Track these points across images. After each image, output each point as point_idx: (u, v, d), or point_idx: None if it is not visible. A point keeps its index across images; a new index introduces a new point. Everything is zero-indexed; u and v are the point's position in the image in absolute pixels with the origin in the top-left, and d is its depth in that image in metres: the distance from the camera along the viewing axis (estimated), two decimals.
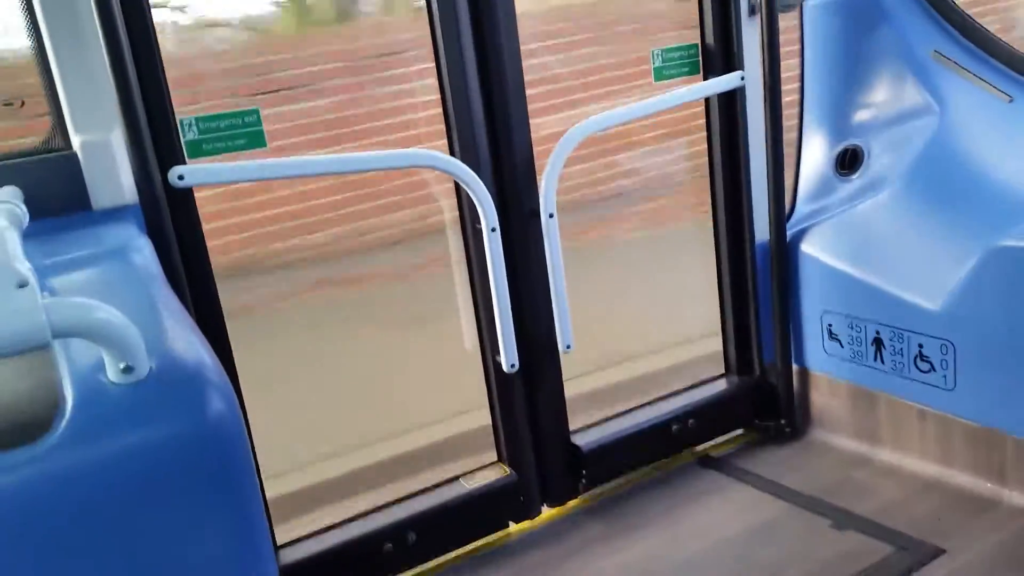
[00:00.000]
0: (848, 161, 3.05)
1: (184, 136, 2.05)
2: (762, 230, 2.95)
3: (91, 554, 1.06)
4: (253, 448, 2.11)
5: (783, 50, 2.79)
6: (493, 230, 2.38)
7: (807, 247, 2.90)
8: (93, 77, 1.89)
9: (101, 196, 1.93)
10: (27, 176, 1.87)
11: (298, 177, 2.53)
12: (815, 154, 3.13)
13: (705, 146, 2.99)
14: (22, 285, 1.07)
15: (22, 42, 1.92)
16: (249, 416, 2.10)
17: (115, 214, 1.93)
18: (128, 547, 1.09)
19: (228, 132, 2.08)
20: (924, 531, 2.41)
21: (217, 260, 2.19)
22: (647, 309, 3.65)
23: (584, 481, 2.76)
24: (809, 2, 3.00)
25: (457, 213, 2.56)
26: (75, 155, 1.92)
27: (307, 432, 2.87)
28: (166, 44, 2.07)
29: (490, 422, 2.70)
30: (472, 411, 2.82)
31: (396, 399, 3.02)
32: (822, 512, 2.57)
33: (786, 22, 2.86)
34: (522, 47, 2.45)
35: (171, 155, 2.02)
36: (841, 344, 2.85)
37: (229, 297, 2.22)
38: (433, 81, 2.43)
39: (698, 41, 2.84)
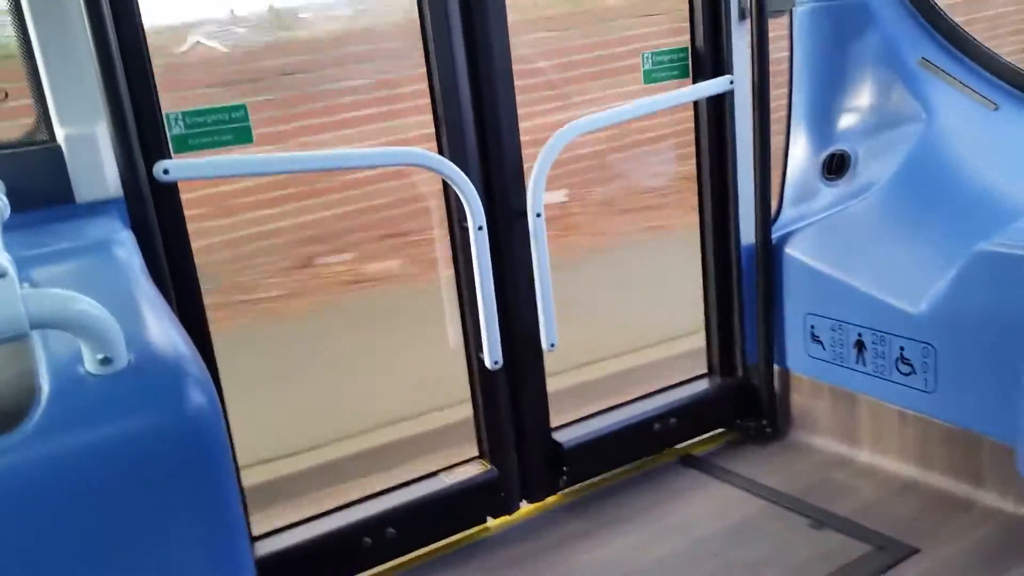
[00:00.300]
0: (835, 166, 3.07)
1: (170, 130, 2.05)
2: (748, 232, 2.98)
3: (64, 545, 1.07)
4: (231, 441, 2.12)
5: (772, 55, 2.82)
6: (480, 228, 2.39)
7: (792, 250, 2.93)
8: (79, 69, 1.89)
9: (85, 189, 1.93)
10: (10, 168, 1.87)
11: (285, 173, 2.54)
12: (802, 158, 3.15)
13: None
14: (1, 275, 1.08)
15: (6, 32, 1.92)
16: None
17: (98, 207, 1.93)
18: (101, 538, 1.09)
19: (215, 127, 2.08)
20: (901, 531, 2.44)
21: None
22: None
23: (565, 478, 2.78)
24: (799, 7, 3.02)
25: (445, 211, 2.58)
26: (59, 148, 1.92)
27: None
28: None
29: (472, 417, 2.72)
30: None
31: None
32: (801, 511, 2.59)
33: (776, 27, 2.88)
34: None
35: (157, 149, 2.02)
36: (823, 346, 2.88)
37: None
38: None
39: (688, 45, 2.86)
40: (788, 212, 3.12)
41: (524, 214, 2.51)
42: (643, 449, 2.95)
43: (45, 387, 1.14)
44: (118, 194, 1.97)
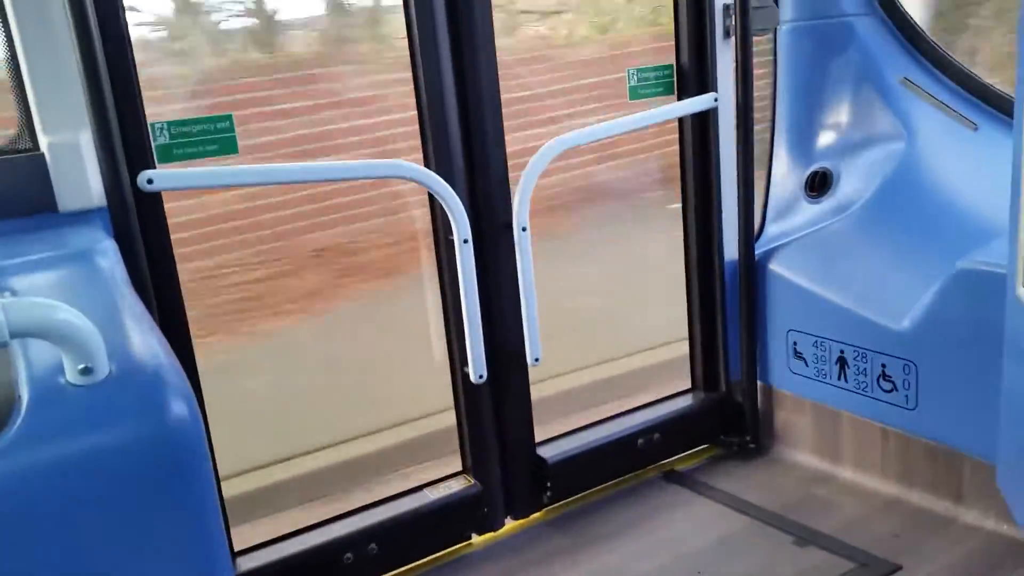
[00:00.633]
0: (817, 183, 3.10)
1: (155, 140, 2.04)
2: (731, 249, 2.99)
3: (41, 555, 1.05)
4: (212, 453, 2.10)
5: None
6: (465, 241, 2.39)
7: (775, 266, 2.94)
8: (64, 77, 1.87)
9: (68, 198, 1.91)
10: None
11: (269, 185, 2.52)
12: (785, 175, 3.18)
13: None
14: None
15: None
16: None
17: (81, 216, 1.92)
18: (80, 550, 1.08)
19: (200, 137, 2.07)
20: (882, 548, 2.44)
21: None
22: None
23: (549, 494, 2.77)
24: (783, 26, 3.05)
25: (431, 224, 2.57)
26: (42, 156, 1.90)
27: None
28: None
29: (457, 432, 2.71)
30: None
31: None
32: (784, 528, 2.60)
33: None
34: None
35: (141, 159, 2.01)
36: (806, 363, 2.89)
37: None
38: None
39: (673, 62, 2.88)
40: (771, 229, 3.15)
41: (510, 227, 2.51)
42: (627, 465, 2.95)
43: (25, 397, 1.13)
44: (101, 203, 1.95)
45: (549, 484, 2.75)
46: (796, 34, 3.05)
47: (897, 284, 2.65)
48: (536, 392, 2.74)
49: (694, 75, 2.85)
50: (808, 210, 3.10)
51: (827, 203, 3.05)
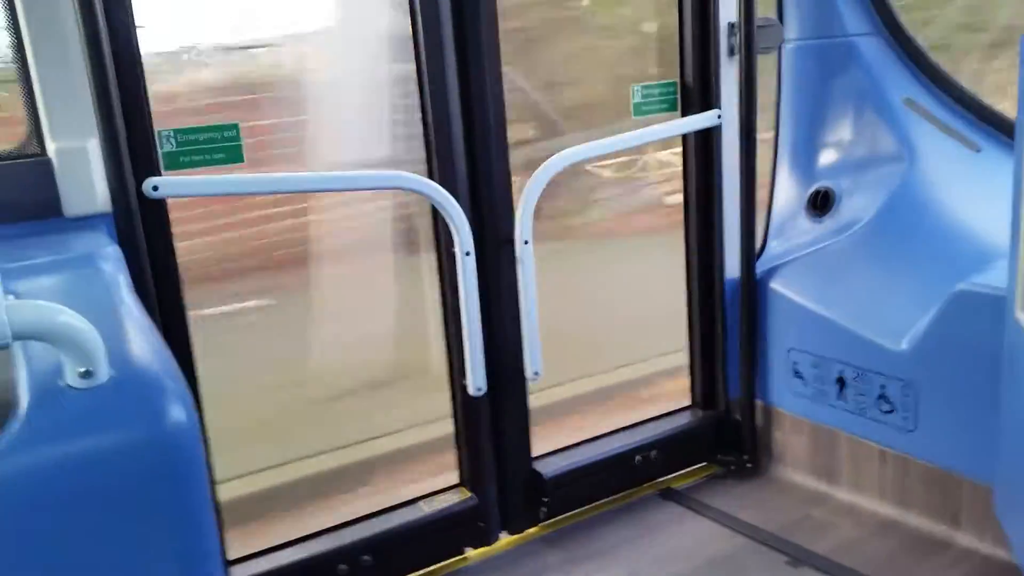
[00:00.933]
0: (820, 202, 3.11)
1: (162, 147, 2.05)
2: (732, 266, 3.00)
3: (37, 557, 1.05)
4: (209, 461, 2.10)
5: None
6: (467, 254, 2.40)
7: (776, 285, 2.95)
8: (72, 84, 1.89)
9: (73, 203, 1.92)
10: None
11: (273, 194, 2.53)
12: (788, 193, 3.19)
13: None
14: None
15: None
16: None
17: (86, 222, 1.93)
18: (73, 554, 1.08)
19: (207, 146, 2.09)
20: (878, 570, 2.43)
21: None
22: None
23: (545, 509, 2.76)
24: (787, 45, 3.07)
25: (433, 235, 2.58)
26: (49, 161, 1.91)
27: None
28: None
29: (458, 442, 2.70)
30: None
31: None
32: (779, 548, 2.59)
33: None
34: None
35: (147, 166, 2.02)
36: (805, 382, 2.89)
37: None
38: None
39: (677, 79, 2.90)
40: (773, 247, 3.15)
41: (512, 241, 2.51)
42: (624, 481, 2.94)
43: (25, 399, 1.13)
44: (107, 209, 1.96)
45: (545, 499, 2.75)
46: (800, 53, 3.07)
47: (897, 305, 2.65)
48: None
49: (698, 92, 2.86)
50: (810, 229, 3.10)
51: (829, 222, 3.06)
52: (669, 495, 2.95)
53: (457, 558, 2.65)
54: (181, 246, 2.15)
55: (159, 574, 1.15)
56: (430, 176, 2.45)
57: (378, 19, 2.68)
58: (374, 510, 2.58)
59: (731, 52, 2.83)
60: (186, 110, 2.30)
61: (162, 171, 2.06)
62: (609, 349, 3.49)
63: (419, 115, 2.46)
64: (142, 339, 1.35)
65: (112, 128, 1.90)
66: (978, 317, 2.32)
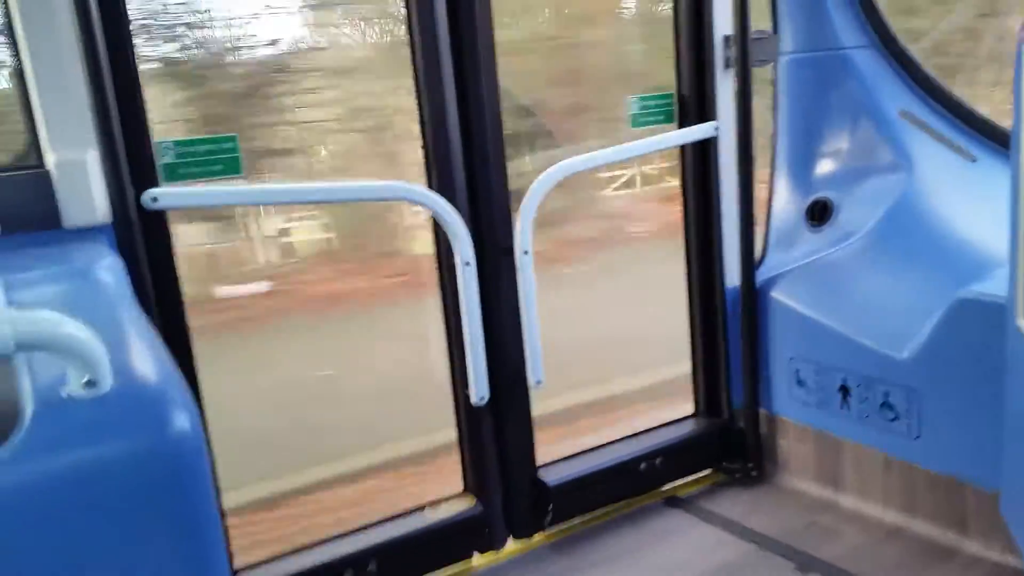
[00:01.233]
0: (818, 213, 3.11)
1: (161, 159, 2.06)
2: (733, 276, 3.00)
3: (41, 566, 1.05)
4: (214, 469, 2.09)
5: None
6: (467, 264, 2.40)
7: (777, 294, 2.95)
8: (71, 96, 1.89)
9: (73, 215, 1.92)
10: None
11: (272, 204, 2.55)
12: (786, 204, 3.19)
13: None
14: None
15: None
16: None
17: (86, 233, 1.92)
18: (78, 562, 1.07)
19: (205, 157, 2.09)
20: None
21: None
22: None
23: (550, 516, 2.75)
24: (783, 58, 3.09)
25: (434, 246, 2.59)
26: (48, 173, 1.91)
27: None
28: None
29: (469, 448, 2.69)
30: None
31: None
32: (786, 555, 2.57)
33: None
34: None
35: (146, 177, 2.03)
36: (808, 390, 2.88)
37: None
38: None
39: (674, 91, 2.92)
40: (772, 257, 3.15)
41: (511, 251, 2.52)
42: (628, 489, 2.93)
43: (28, 409, 1.13)
44: (106, 220, 1.96)
45: (550, 507, 2.74)
46: (796, 66, 3.09)
47: (898, 313, 2.65)
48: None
49: (695, 104, 2.88)
50: (809, 239, 3.11)
51: (828, 232, 3.06)
52: (674, 503, 2.94)
53: (462, 565, 2.64)
54: None
55: None
56: (429, 187, 2.46)
57: None
58: (379, 518, 2.57)
59: (727, 64, 2.85)
60: None
61: (160, 183, 2.06)
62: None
63: (418, 128, 2.48)
64: (145, 349, 1.34)
65: (111, 140, 1.91)
66: (979, 324, 2.33)
